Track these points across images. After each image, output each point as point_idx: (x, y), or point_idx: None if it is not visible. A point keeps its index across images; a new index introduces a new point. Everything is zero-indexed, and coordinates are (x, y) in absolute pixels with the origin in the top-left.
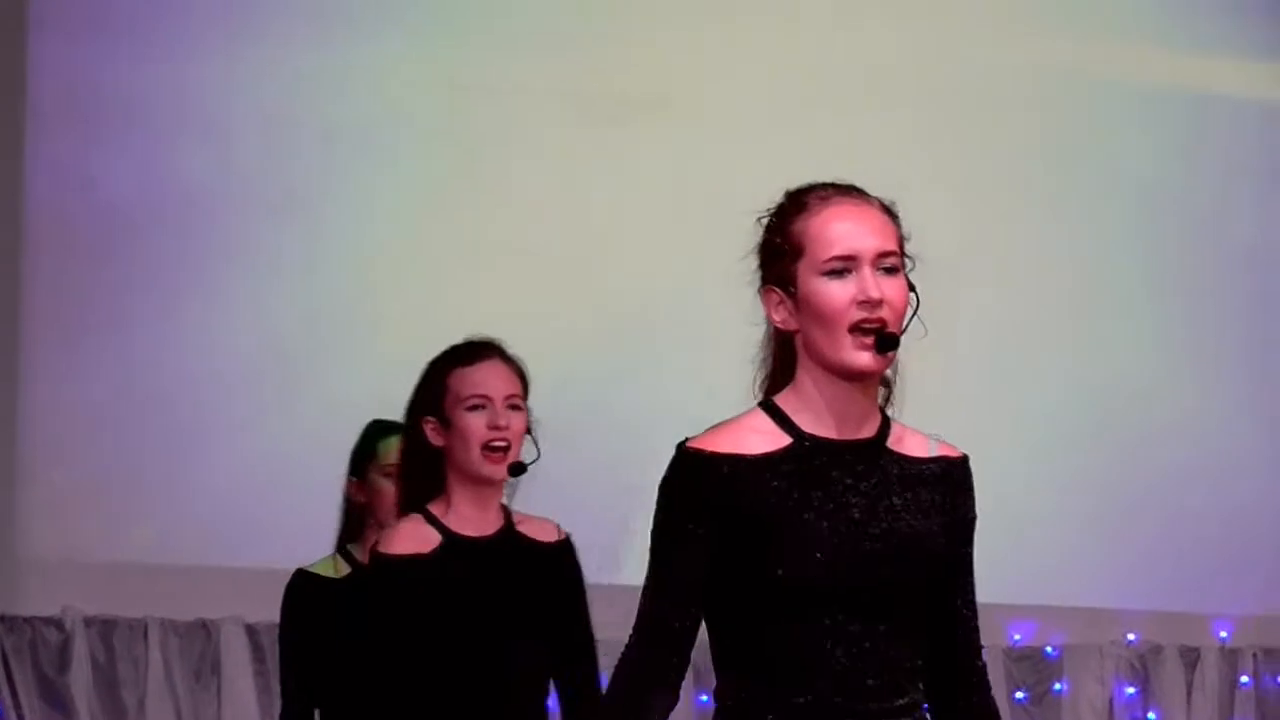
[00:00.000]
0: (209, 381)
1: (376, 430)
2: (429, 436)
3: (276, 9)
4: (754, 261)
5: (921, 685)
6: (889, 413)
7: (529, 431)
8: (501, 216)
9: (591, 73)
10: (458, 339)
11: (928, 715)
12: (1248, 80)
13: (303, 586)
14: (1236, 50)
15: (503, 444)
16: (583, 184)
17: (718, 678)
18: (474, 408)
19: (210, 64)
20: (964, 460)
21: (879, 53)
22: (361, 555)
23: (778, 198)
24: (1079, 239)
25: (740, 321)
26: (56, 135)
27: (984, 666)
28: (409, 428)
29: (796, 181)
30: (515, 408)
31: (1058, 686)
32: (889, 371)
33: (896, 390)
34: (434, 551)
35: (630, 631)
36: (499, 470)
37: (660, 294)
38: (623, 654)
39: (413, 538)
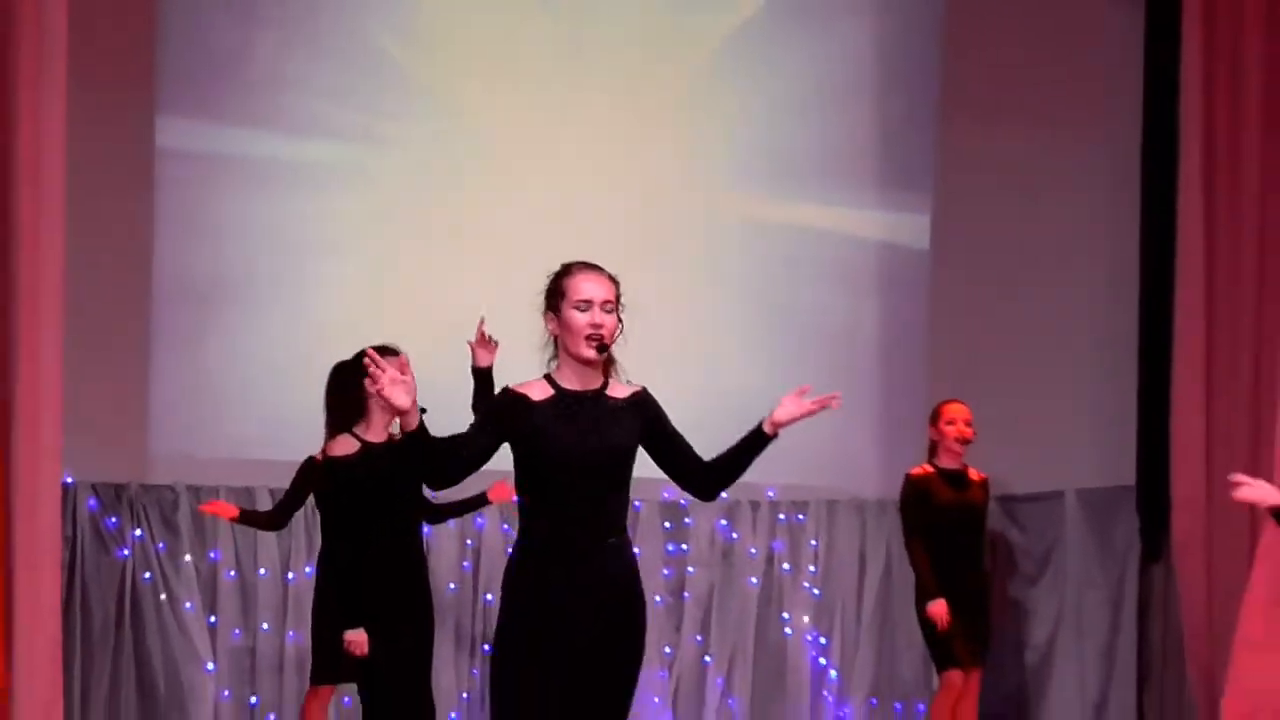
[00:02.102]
0: (262, 363)
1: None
2: (366, 385)
3: (290, 171)
4: (542, 299)
5: (624, 528)
6: (612, 376)
7: None
8: (421, 283)
9: (454, 196)
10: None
11: (630, 545)
12: (814, 213)
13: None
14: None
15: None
16: (460, 258)
17: (520, 521)
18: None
19: (248, 208)
20: (644, 390)
21: (630, 196)
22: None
23: (556, 265)
24: (726, 299)
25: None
26: (175, 240)
27: (700, 459)
28: (350, 376)
29: (561, 246)
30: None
31: (688, 520)
32: (612, 355)
33: (617, 368)
34: (356, 454)
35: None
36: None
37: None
38: (456, 438)
39: (344, 446)
